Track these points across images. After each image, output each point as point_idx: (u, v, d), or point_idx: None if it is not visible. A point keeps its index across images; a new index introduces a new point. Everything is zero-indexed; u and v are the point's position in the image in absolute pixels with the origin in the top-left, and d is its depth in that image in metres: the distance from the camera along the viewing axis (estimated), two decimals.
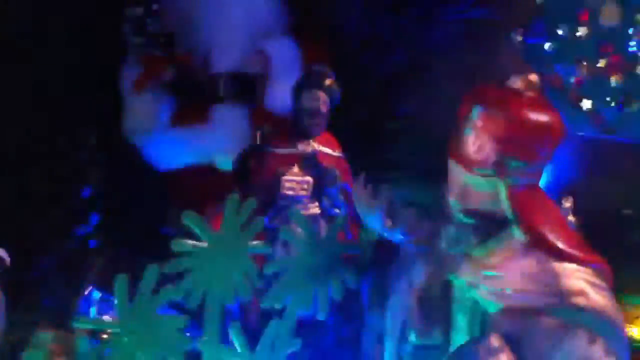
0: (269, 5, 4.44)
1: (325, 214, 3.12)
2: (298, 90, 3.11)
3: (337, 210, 3.17)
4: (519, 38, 4.12)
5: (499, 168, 1.39)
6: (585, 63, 4.02)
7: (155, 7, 3.94)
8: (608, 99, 3.98)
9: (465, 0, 4.17)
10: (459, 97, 4.44)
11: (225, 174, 4.13)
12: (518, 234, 1.37)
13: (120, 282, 2.04)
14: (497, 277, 1.41)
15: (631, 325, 3.98)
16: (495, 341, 1.35)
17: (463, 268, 1.52)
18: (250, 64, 4.43)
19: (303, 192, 3.09)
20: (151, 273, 1.99)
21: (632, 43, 3.86)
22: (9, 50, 3.79)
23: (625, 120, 3.94)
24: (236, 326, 2.17)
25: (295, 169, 3.05)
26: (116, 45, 4.26)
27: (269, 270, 2.21)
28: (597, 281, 1.39)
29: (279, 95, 4.34)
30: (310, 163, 3.07)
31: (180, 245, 2.07)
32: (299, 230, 2.27)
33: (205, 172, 4.34)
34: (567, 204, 2.84)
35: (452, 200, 1.47)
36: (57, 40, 3.93)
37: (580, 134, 4.09)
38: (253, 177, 3.13)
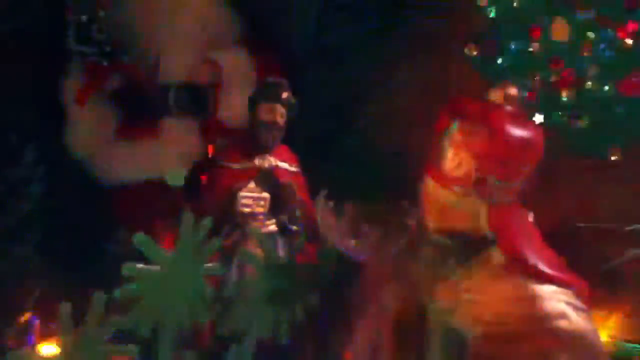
0: (220, 14, 4.31)
1: (283, 231, 3.02)
2: (254, 102, 3.01)
3: (294, 228, 3.08)
4: (473, 52, 4.17)
5: (480, 186, 1.33)
6: (537, 78, 4.11)
7: (101, 13, 3.74)
8: (560, 113, 4.07)
9: (420, 13, 4.19)
10: (415, 110, 4.45)
11: (176, 190, 3.98)
12: (498, 256, 1.32)
13: (63, 310, 1.87)
14: (475, 301, 1.34)
15: None
16: None
17: (440, 291, 1.45)
18: (201, 75, 4.29)
19: (260, 209, 2.97)
20: (98, 301, 1.82)
21: (582, 59, 3.97)
22: None
23: (576, 134, 4.03)
24: (192, 355, 2.03)
25: (252, 184, 2.94)
26: (57, 53, 4.05)
27: (226, 292, 2.09)
28: (578, 303, 1.35)
29: (232, 106, 4.24)
30: (268, 178, 2.97)
31: (130, 270, 1.91)
32: (258, 250, 2.17)
33: (154, 189, 4.16)
34: (529, 218, 2.85)
35: (428, 219, 1.40)
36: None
37: None
38: (205, 193, 3.00)
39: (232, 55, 4.32)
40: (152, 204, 3.93)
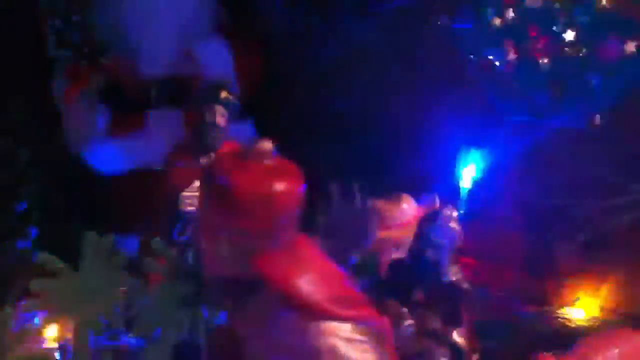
0: (196, 6, 4.38)
1: None
2: (195, 104, 3.10)
3: None
4: (445, 23, 4.04)
5: (234, 237, 1.36)
6: (513, 47, 3.94)
7: (75, 18, 3.90)
8: (538, 82, 3.91)
9: None
10: (392, 91, 4.38)
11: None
12: (272, 296, 1.35)
13: None
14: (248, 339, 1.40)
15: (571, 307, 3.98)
16: None
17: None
18: (181, 67, 4.40)
19: None
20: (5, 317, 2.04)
21: (558, 24, 3.77)
22: None
23: (555, 104, 3.87)
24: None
25: (197, 184, 3.05)
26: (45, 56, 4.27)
27: (137, 298, 2.24)
28: (356, 336, 1.36)
29: None
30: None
31: (39, 284, 2.10)
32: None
33: (145, 177, 4.37)
34: (453, 213, 2.79)
35: (204, 265, 1.45)
36: None
37: (513, 119, 4.04)
38: (155, 193, 3.15)
39: (211, 45, 4.39)
40: (145, 192, 4.15)
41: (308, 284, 1.34)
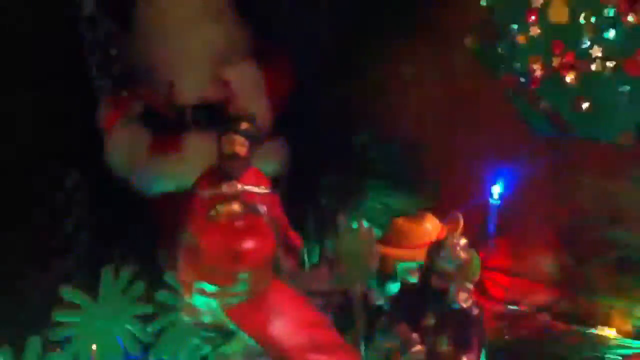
0: (226, 33, 4.53)
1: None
2: (218, 135, 3.23)
3: None
4: (473, 42, 4.03)
5: (198, 292, 1.46)
6: (539, 63, 3.88)
7: (113, 52, 4.15)
8: (564, 98, 3.83)
9: (420, 5, 4.09)
10: (419, 101, 4.38)
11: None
12: (246, 341, 1.44)
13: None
14: None
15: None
16: None
17: None
18: (213, 92, 4.58)
19: None
20: (33, 344, 2.22)
21: (584, 40, 3.68)
22: None
23: (583, 118, 3.79)
24: None
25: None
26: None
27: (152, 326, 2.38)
28: None
29: None
30: None
31: (62, 316, 2.28)
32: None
33: (183, 198, 4.57)
34: (461, 241, 2.77)
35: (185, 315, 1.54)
36: (37, 86, 4.24)
37: (542, 134, 3.98)
38: (183, 220, 3.30)
39: (242, 70, 4.54)
40: (183, 211, 4.35)
41: (279, 332, 1.42)
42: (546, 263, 4.11)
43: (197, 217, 1.47)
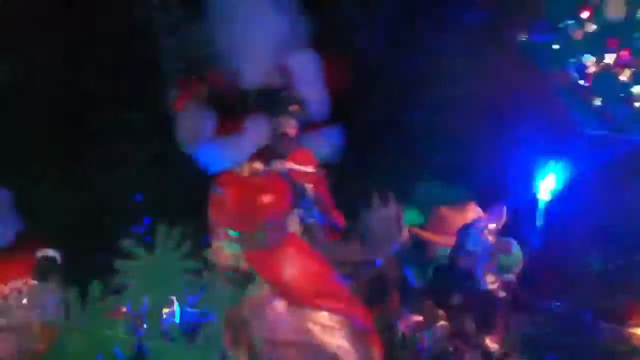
0: (288, 23, 4.77)
1: (302, 222, 3.47)
2: (269, 116, 3.46)
3: (311, 220, 3.51)
4: (524, 37, 4.06)
5: (224, 237, 1.66)
6: (593, 59, 3.87)
7: (184, 37, 4.46)
8: (617, 95, 3.81)
9: (469, 6, 4.17)
10: (470, 99, 4.45)
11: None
12: (263, 285, 1.63)
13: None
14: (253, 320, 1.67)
15: None
16: None
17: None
18: (274, 78, 4.83)
19: None
20: (96, 288, 2.53)
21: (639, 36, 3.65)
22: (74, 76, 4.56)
23: (634, 117, 3.76)
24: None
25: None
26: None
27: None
28: (331, 324, 1.59)
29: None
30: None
31: (121, 265, 2.57)
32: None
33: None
34: (489, 225, 2.85)
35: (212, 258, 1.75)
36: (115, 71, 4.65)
37: (592, 132, 3.98)
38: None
39: (302, 58, 4.76)
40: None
41: (291, 277, 1.62)
42: (591, 260, 4.12)
43: (225, 173, 1.70)
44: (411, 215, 3.95)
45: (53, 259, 3.57)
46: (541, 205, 4.08)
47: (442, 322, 2.66)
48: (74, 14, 4.39)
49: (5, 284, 3.36)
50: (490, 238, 2.80)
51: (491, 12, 4.09)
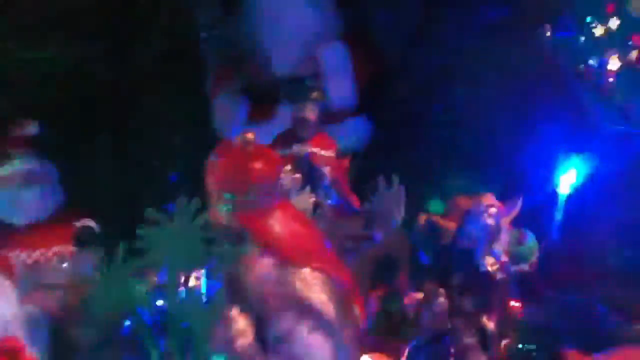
0: (320, 15, 4.97)
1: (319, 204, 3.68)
2: (291, 102, 3.69)
3: (327, 201, 3.71)
4: (548, 33, 4.12)
5: (219, 199, 1.85)
6: (616, 55, 3.90)
7: (222, 31, 4.78)
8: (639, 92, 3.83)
9: (495, 1, 4.26)
10: (494, 93, 4.52)
11: None
12: (253, 245, 1.82)
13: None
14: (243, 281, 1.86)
15: None
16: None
17: None
18: (305, 68, 5.05)
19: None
20: (121, 249, 2.82)
21: None
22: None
23: None
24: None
25: (288, 167, 3.64)
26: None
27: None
28: (312, 280, 1.77)
29: (332, 94, 4.93)
30: (302, 163, 3.64)
31: (144, 230, 2.84)
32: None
33: None
34: (490, 209, 2.94)
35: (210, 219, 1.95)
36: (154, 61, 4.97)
37: (613, 128, 4.01)
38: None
39: (332, 50, 4.96)
40: None
41: (277, 237, 1.82)
42: (610, 255, 4.14)
43: (222, 147, 1.91)
44: (435, 206, 4.10)
45: (91, 229, 3.88)
46: (561, 199, 4.12)
47: (441, 299, 2.80)
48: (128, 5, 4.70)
49: (49, 249, 3.70)
50: (490, 221, 2.92)
51: (516, 7, 4.15)
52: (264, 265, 1.81)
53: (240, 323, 1.85)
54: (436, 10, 4.54)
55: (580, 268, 4.26)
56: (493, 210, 2.94)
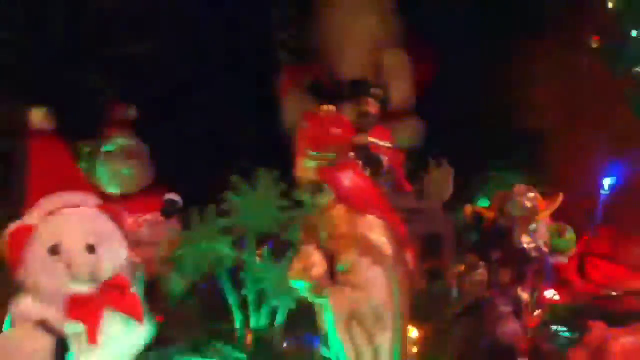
0: (384, 23, 5.46)
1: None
2: (354, 98, 4.19)
3: (383, 184, 4.19)
4: (595, 43, 4.46)
5: (308, 156, 2.33)
6: None
7: (293, 32, 5.31)
8: None
9: (546, 11, 4.63)
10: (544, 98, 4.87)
11: None
12: (330, 194, 2.29)
13: None
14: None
15: None
16: None
17: None
18: (368, 72, 5.53)
19: None
20: (211, 210, 3.35)
21: None
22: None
23: None
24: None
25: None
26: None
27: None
28: (376, 226, 2.22)
29: (392, 95, 5.39)
30: (362, 152, 4.12)
31: (228, 195, 3.37)
32: None
33: None
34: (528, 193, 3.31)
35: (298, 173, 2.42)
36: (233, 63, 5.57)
37: None
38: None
39: (393, 55, 5.44)
40: None
41: (348, 189, 2.29)
42: None
43: (307, 115, 2.40)
44: (483, 203, 4.51)
45: (176, 202, 4.49)
46: (602, 199, 4.44)
47: (481, 270, 3.21)
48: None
49: (142, 216, 4.34)
50: (528, 203, 3.30)
51: (566, 17, 4.51)
52: (337, 211, 2.29)
53: (315, 257, 2.33)
54: (493, 21, 4.94)
55: (620, 265, 4.55)
56: (531, 195, 3.33)
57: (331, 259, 2.31)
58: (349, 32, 5.29)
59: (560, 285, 4.23)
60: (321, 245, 2.35)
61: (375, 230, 2.24)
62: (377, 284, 2.25)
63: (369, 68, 5.42)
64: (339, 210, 2.28)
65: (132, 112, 4.71)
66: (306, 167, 2.37)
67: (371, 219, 2.26)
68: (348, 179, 2.36)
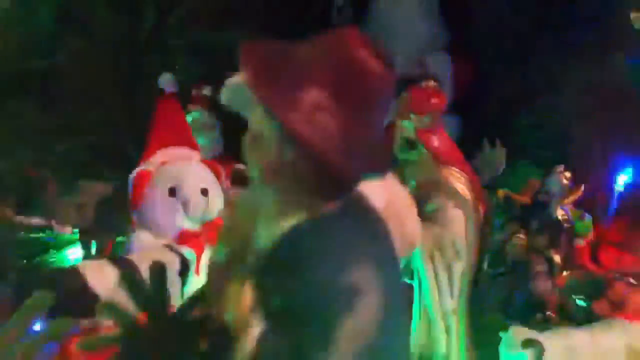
0: (427, 26, 6.17)
1: None
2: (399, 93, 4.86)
3: None
4: (623, 59, 5.14)
5: (407, 118, 2.96)
6: None
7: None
8: None
9: (578, 27, 5.32)
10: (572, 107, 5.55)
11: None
12: (423, 150, 2.92)
13: None
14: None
15: None
16: None
17: None
18: (414, 71, 6.21)
19: None
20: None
21: None
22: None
23: None
24: None
25: None
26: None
27: None
28: (458, 176, 2.84)
29: None
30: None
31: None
32: None
33: None
34: (566, 173, 3.96)
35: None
36: None
37: None
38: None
39: (437, 58, 6.13)
40: None
41: (437, 147, 2.94)
42: None
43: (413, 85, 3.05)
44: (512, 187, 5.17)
45: (243, 172, 5.11)
46: (616, 194, 5.13)
47: (520, 236, 3.85)
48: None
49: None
50: (564, 181, 3.96)
51: (597, 34, 5.20)
52: (428, 165, 2.92)
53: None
54: (528, 34, 5.63)
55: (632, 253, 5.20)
56: (567, 174, 4.00)
57: (420, 203, 2.91)
58: (399, 34, 5.98)
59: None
60: (414, 191, 2.96)
61: (458, 180, 2.85)
62: (457, 223, 2.87)
63: (414, 69, 6.12)
64: (430, 163, 2.89)
65: (207, 90, 5.35)
66: (405, 127, 2.99)
67: (455, 171, 2.87)
68: (437, 139, 2.98)
